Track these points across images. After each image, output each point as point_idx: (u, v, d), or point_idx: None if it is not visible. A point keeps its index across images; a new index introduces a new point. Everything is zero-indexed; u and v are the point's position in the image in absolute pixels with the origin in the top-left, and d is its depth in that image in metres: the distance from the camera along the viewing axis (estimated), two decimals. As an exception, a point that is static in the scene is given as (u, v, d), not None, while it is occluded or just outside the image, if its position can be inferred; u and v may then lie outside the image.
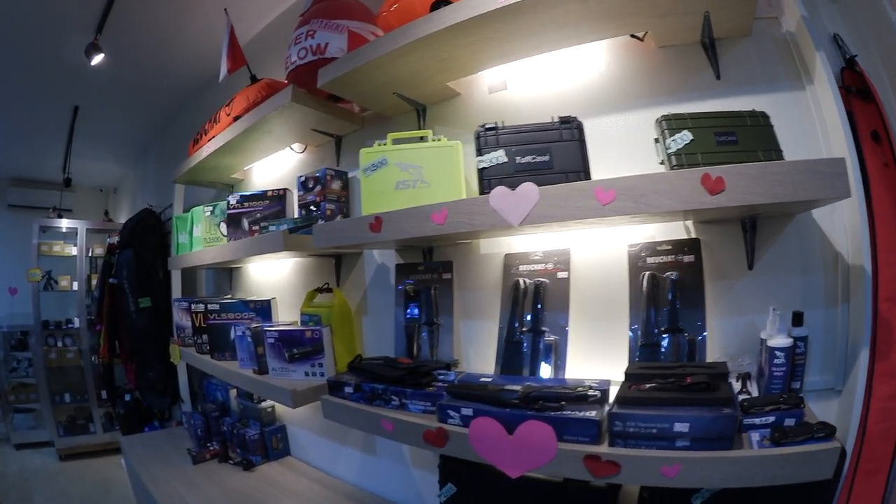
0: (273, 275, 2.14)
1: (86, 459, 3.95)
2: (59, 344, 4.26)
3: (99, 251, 4.26)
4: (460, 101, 1.46)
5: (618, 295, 1.09)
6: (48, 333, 4.21)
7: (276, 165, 2.12)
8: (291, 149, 1.95)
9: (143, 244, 2.90)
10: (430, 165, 1.20)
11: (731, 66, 1.04)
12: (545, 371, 1.11)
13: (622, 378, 0.94)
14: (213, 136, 1.90)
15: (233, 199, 1.80)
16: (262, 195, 1.78)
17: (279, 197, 1.77)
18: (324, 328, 1.49)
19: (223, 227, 1.96)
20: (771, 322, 0.89)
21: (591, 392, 0.90)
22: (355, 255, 1.73)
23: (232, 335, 1.85)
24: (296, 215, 1.72)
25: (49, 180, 4.60)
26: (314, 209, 1.63)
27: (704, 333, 0.97)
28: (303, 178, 1.68)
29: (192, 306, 2.03)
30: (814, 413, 0.86)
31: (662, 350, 0.99)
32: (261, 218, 1.74)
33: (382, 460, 1.66)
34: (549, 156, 1.02)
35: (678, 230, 1.06)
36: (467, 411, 0.93)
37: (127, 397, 3.46)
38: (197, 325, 2.03)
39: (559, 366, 1.11)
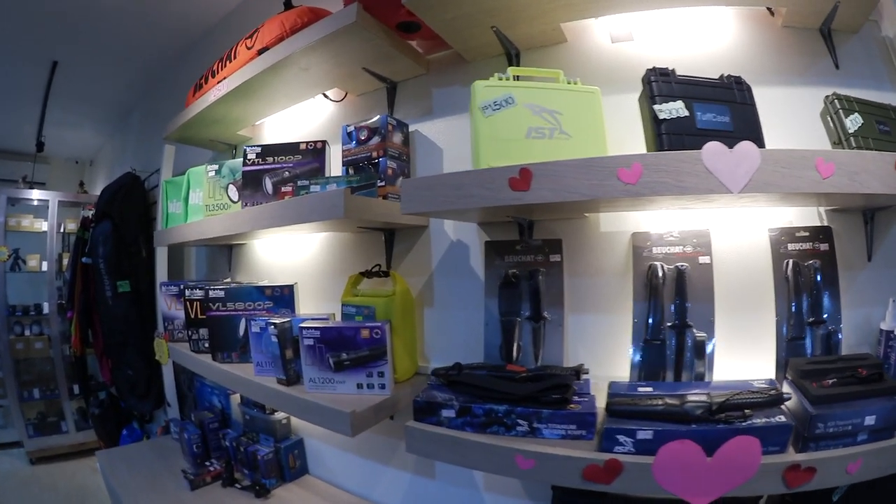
0: (289, 254, 1.61)
1: (58, 462, 3.29)
2: (27, 332, 3.53)
3: (72, 227, 3.56)
4: (564, 49, 1.10)
5: (760, 283, 0.92)
6: (15, 320, 3.48)
7: (300, 119, 1.59)
8: (325, 96, 1.43)
9: (124, 215, 2.26)
10: (569, 113, 0.87)
11: (845, 58, 0.98)
12: (696, 373, 0.88)
13: (771, 375, 0.87)
14: (227, 77, 1.36)
15: (251, 153, 1.27)
16: (292, 147, 1.26)
17: (316, 150, 1.25)
18: (384, 324, 1.01)
19: (232, 190, 1.43)
20: (892, 313, 0.85)
21: (786, 394, 0.75)
22: (417, 230, 1.24)
23: (241, 331, 1.34)
24: (337, 174, 1.21)
25: (20, 150, 3.84)
26: (367, 165, 1.13)
27: (841, 325, 0.88)
28: (351, 128, 1.18)
29: (188, 292, 1.49)
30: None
31: (807, 343, 0.88)
32: (290, 177, 1.22)
33: (443, 484, 1.23)
34: (729, 117, 0.81)
35: (811, 216, 0.94)
36: (645, 434, 0.70)
37: (102, 394, 2.82)
38: (192, 316, 1.49)
39: (708, 366, 0.89)
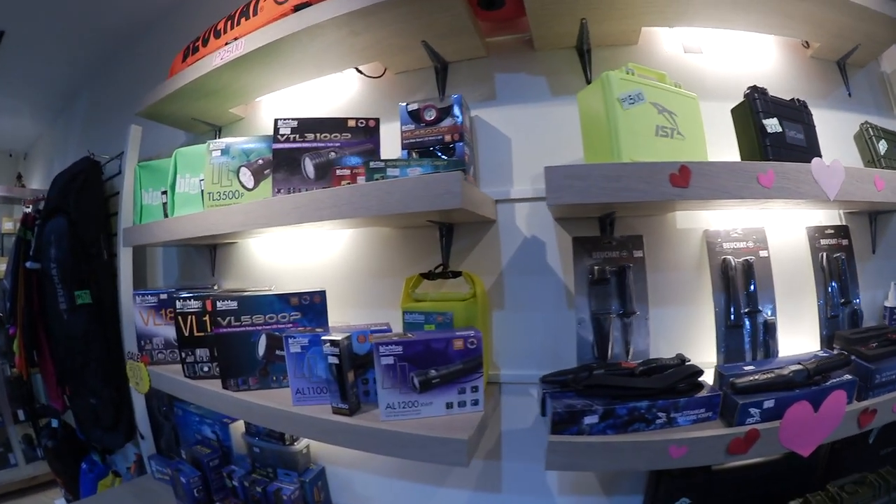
0: (298, 254, 1.32)
1: (12, 501, 2.67)
2: (-38, 351, 2.85)
3: (9, 226, 2.93)
4: (632, 51, 1.07)
5: (802, 272, 1.02)
6: (-55, 338, 2.79)
7: (310, 97, 1.31)
8: (358, 70, 1.19)
9: (82, 209, 1.77)
10: (682, 114, 0.85)
11: (855, 88, 1.11)
12: (772, 351, 0.95)
13: (816, 346, 0.98)
14: (245, 35, 1.07)
15: (284, 126, 0.99)
16: (338, 123, 1.00)
17: (368, 129, 1.01)
18: (478, 332, 0.80)
19: (245, 174, 1.14)
20: (894, 293, 1.02)
21: (853, 358, 0.85)
22: (483, 225, 1.04)
23: (261, 350, 1.06)
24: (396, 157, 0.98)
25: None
26: (436, 150, 0.91)
27: (861, 306, 1.02)
28: (415, 107, 0.96)
29: (179, 304, 1.16)
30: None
31: (840, 320, 1.01)
32: (337, 158, 0.97)
33: (512, 496, 1.08)
34: (803, 135, 0.89)
35: (833, 217, 1.07)
36: (769, 404, 0.77)
37: (53, 423, 2.28)
38: (187, 333, 1.17)
39: (777, 344, 0.96)
